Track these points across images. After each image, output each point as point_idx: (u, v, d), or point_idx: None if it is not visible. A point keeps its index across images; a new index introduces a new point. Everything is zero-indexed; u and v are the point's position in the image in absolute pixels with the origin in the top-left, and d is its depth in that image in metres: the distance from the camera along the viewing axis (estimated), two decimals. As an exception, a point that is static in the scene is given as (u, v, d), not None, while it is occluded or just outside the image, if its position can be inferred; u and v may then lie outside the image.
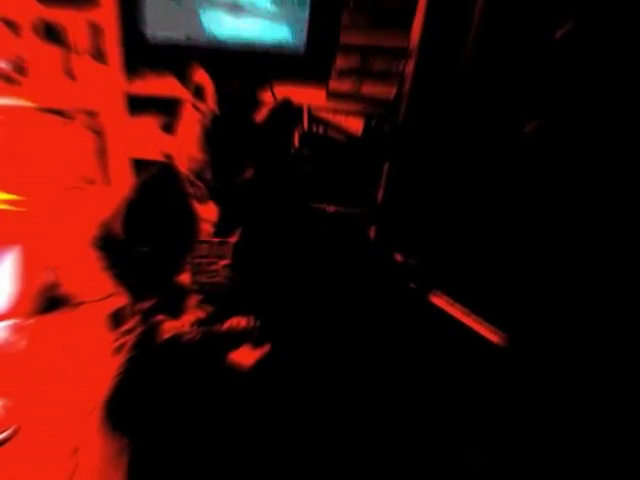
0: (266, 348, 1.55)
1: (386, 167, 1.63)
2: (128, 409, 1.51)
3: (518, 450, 1.49)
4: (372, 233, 1.56)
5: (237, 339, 1.55)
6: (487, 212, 1.56)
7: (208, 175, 1.46)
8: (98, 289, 1.58)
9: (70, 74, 2.04)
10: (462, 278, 1.60)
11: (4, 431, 1.54)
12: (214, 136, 1.41)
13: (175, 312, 1.57)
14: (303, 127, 1.93)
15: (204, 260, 1.56)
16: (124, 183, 1.74)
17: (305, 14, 2.05)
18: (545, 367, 1.53)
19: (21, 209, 1.70)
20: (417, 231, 1.64)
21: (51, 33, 1.95)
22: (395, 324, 1.61)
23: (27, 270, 1.67)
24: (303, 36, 2.08)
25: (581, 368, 1.49)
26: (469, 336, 1.61)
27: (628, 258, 1.42)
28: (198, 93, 1.41)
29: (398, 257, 1.62)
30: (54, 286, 1.64)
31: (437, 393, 1.58)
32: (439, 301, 1.61)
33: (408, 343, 1.60)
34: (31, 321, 1.61)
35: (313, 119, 1.95)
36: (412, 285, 1.60)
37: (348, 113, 1.97)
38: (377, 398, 1.56)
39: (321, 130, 1.91)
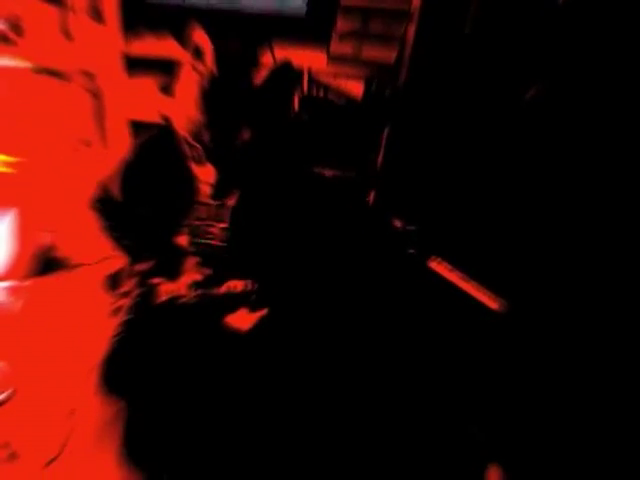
0: (263, 312, 1.55)
1: (386, 132, 1.60)
2: (125, 371, 1.53)
3: (519, 421, 1.49)
4: (371, 198, 1.55)
5: (234, 302, 1.55)
6: (487, 177, 1.54)
7: (206, 137, 1.44)
8: (95, 251, 1.58)
9: (67, 34, 2.00)
10: (461, 244, 1.58)
11: (0, 394, 1.56)
12: (212, 98, 1.38)
13: (172, 275, 1.57)
14: (303, 90, 1.90)
15: (202, 223, 1.55)
16: (122, 145, 1.72)
17: (307, -26, 1.99)
18: (544, 334, 1.52)
19: (18, 171, 1.69)
20: (416, 196, 1.62)
21: (48, -9, 1.90)
22: (393, 290, 1.60)
23: (24, 232, 1.66)
24: (304, -3, 2.03)
25: (581, 335, 1.48)
26: (468, 303, 1.60)
27: (629, 226, 1.41)
28: (197, 54, 1.38)
29: (397, 223, 1.61)
30: (51, 248, 1.64)
31: (436, 361, 1.58)
32: (438, 267, 1.60)
33: (406, 310, 1.60)
34: (27, 283, 1.61)
35: (313, 82, 1.91)
36: (411, 251, 1.59)
37: (349, 77, 1.94)
38: (375, 365, 1.56)
39: (321, 94, 1.88)
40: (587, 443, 1.42)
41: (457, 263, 1.59)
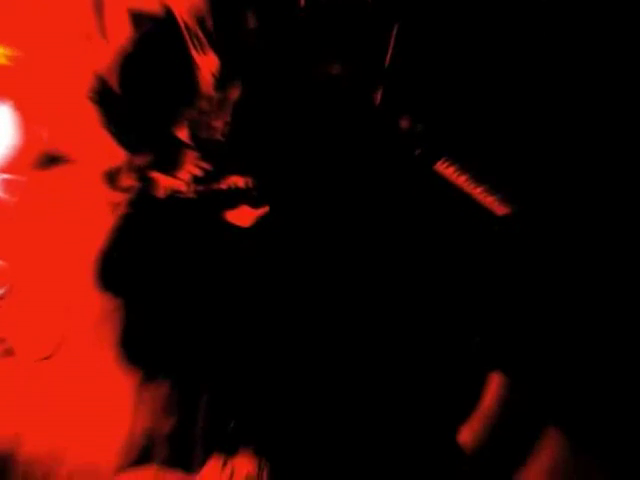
0: (264, 210, 1.51)
1: (395, 29, 1.55)
2: (122, 267, 1.50)
3: (521, 329, 1.47)
4: (378, 98, 1.50)
5: (234, 199, 1.51)
6: (498, 74, 1.48)
7: (209, 23, 1.39)
8: (94, 146, 1.54)
9: None
10: (469, 146, 1.53)
11: (-5, 291, 1.54)
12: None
13: (172, 169, 1.53)
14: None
15: (203, 116, 1.50)
16: (122, 36, 1.65)
17: None
18: (552, 241, 1.48)
19: (16, 64, 1.64)
20: (424, 96, 1.57)
21: None
22: (398, 192, 1.56)
23: (21, 126, 1.62)
24: None
25: (590, 242, 1.45)
26: (474, 208, 1.56)
27: None
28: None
29: (404, 122, 1.56)
30: (49, 143, 1.60)
31: (440, 268, 1.54)
32: (445, 170, 1.55)
33: (411, 214, 1.56)
34: (23, 178, 1.57)
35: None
36: (417, 152, 1.54)
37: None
38: (374, 268, 1.53)
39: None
40: (589, 352, 1.39)
41: (465, 166, 1.54)
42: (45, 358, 1.53)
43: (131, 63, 1.51)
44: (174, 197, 1.49)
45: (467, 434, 1.44)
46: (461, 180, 1.55)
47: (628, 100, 1.34)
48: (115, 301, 1.49)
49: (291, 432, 1.45)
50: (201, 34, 1.40)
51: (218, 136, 1.50)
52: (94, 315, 1.53)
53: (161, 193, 1.50)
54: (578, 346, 1.40)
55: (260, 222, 1.48)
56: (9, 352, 1.55)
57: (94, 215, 1.54)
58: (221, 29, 1.39)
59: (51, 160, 1.59)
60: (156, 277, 1.47)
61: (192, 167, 1.52)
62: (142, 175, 1.51)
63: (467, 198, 1.54)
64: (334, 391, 1.43)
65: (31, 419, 1.51)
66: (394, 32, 1.50)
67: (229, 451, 1.39)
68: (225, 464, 1.37)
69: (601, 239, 1.43)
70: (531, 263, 1.48)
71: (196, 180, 1.50)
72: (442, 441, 1.43)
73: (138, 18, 1.54)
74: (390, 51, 1.47)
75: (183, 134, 1.50)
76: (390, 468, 1.43)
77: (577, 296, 1.41)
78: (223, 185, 1.50)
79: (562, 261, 1.44)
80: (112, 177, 1.53)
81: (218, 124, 1.49)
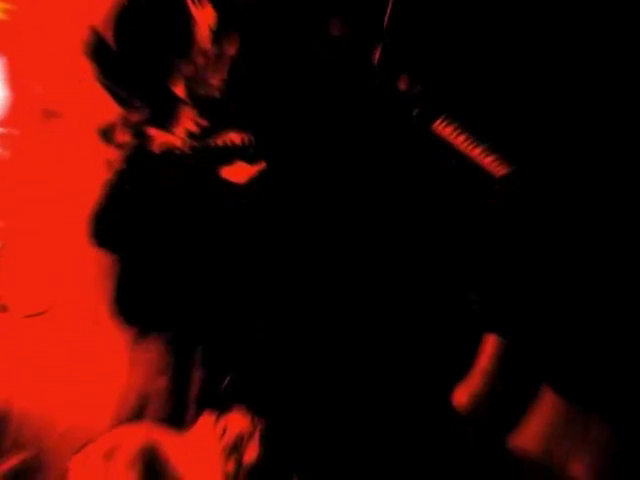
0: (260, 166, 1.49)
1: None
2: (117, 223, 1.49)
3: (517, 289, 1.46)
4: (376, 58, 1.48)
5: (230, 155, 1.49)
6: (498, 31, 1.47)
7: (206, -26, 1.37)
8: (89, 101, 1.52)
9: None
10: (469, 104, 1.52)
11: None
12: None
13: (168, 125, 1.51)
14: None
15: (200, 71, 1.48)
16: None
17: None
18: (551, 201, 1.47)
19: (9, 17, 1.62)
20: (423, 55, 1.55)
21: None
22: (393, 153, 1.55)
23: (14, 80, 1.60)
24: None
25: (590, 200, 1.44)
26: (473, 169, 1.54)
27: None
28: None
29: (402, 83, 1.54)
30: (43, 97, 1.58)
31: (437, 229, 1.53)
32: (443, 130, 1.53)
33: (406, 175, 1.55)
34: (17, 132, 1.56)
35: None
36: (415, 112, 1.53)
37: None
38: (372, 225, 1.51)
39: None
40: (588, 312, 1.38)
41: (463, 124, 1.52)
42: (38, 314, 1.52)
43: (126, 17, 1.49)
44: (169, 153, 1.47)
45: (463, 394, 1.43)
46: (459, 140, 1.53)
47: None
48: (110, 257, 1.48)
49: (285, 390, 1.44)
50: (198, -14, 1.37)
51: (214, 92, 1.48)
52: (89, 271, 1.52)
53: (156, 149, 1.47)
54: (577, 306, 1.39)
55: (256, 179, 1.46)
56: (3, 308, 1.53)
57: (89, 171, 1.52)
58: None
59: (45, 115, 1.57)
60: (151, 233, 1.46)
61: (188, 123, 1.50)
62: (137, 131, 1.49)
63: (466, 160, 1.53)
64: (328, 346, 1.42)
65: (23, 377, 1.50)
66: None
67: (222, 408, 1.38)
68: (218, 420, 1.36)
69: (602, 199, 1.41)
70: (530, 222, 1.47)
71: (192, 136, 1.48)
72: (438, 401, 1.41)
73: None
74: (389, 10, 1.46)
75: (179, 89, 1.48)
76: (386, 427, 1.42)
77: (576, 254, 1.40)
78: (219, 141, 1.48)
79: (561, 218, 1.42)
80: (107, 133, 1.51)
81: (215, 80, 1.47)
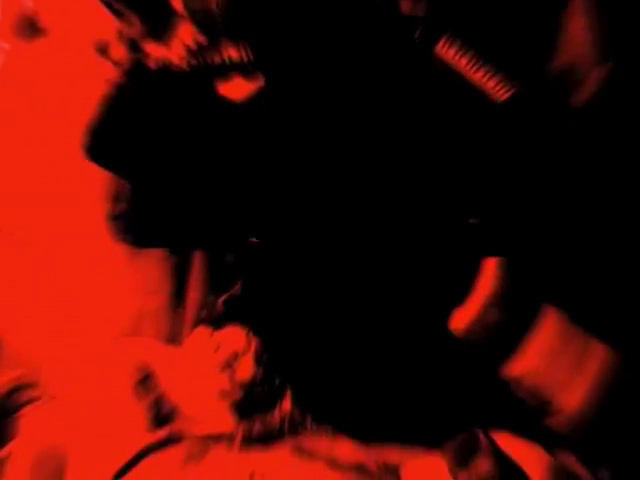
0: (258, 82, 1.46)
1: None
2: (113, 139, 1.46)
3: (519, 214, 1.43)
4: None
5: (229, 71, 1.46)
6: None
7: None
8: (83, 15, 1.49)
9: None
10: (473, 24, 1.48)
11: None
12: None
13: (165, 41, 1.48)
14: None
15: (198, -15, 1.45)
16: None
17: None
18: (553, 124, 1.44)
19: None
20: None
21: None
22: (397, 74, 1.51)
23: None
24: None
25: (591, 126, 1.41)
26: (475, 94, 1.51)
27: None
28: None
29: (403, 5, 1.50)
30: (34, 10, 1.54)
31: (439, 152, 1.49)
32: (445, 53, 1.49)
33: (408, 95, 1.51)
34: (6, 45, 1.52)
35: None
36: (416, 35, 1.49)
37: None
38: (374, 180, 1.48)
39: None
40: (589, 234, 1.36)
41: (466, 44, 1.48)
42: (31, 235, 1.50)
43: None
44: (166, 69, 1.44)
45: (461, 319, 1.41)
46: (462, 63, 1.49)
47: None
48: (105, 173, 1.45)
49: (283, 309, 1.42)
50: None
51: (212, 6, 1.45)
52: (83, 187, 1.50)
53: (153, 65, 1.44)
54: (578, 228, 1.36)
55: (254, 97, 1.43)
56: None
57: (84, 86, 1.49)
58: None
59: (36, 29, 1.54)
60: (148, 149, 1.43)
61: (185, 38, 1.47)
62: (134, 46, 1.46)
63: (468, 85, 1.49)
64: (326, 267, 1.40)
65: (14, 296, 1.48)
66: None
67: (217, 324, 1.36)
68: (212, 336, 1.34)
69: (605, 129, 1.38)
70: (532, 146, 1.44)
71: (189, 52, 1.45)
72: (436, 327, 1.39)
73: None
74: None
75: (177, 3, 1.45)
76: (382, 349, 1.40)
77: (577, 179, 1.37)
78: (217, 57, 1.45)
79: (561, 141, 1.40)
80: (102, 48, 1.48)
81: (213, -8, 1.43)
